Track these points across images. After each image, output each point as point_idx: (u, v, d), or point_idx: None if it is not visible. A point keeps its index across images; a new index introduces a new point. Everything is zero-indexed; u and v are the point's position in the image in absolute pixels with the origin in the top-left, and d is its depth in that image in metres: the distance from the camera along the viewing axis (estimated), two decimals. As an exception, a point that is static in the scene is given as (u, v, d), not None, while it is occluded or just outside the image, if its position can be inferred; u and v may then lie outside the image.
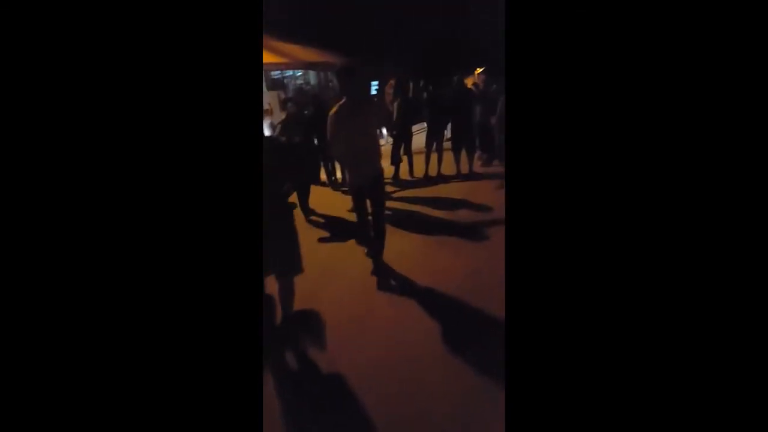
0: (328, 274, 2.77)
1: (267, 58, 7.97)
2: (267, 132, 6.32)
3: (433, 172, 4.97)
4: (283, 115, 6.88)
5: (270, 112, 6.87)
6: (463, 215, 3.57)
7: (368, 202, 2.59)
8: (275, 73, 9.64)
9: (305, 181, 3.85)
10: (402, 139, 4.80)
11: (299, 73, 10.38)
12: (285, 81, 9.77)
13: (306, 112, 4.59)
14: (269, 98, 8.05)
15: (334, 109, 2.42)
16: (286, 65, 8.93)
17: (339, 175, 4.51)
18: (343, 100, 2.41)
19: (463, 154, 4.79)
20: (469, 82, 5.15)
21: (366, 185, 2.52)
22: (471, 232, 3.17)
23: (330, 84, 10.19)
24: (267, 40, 8.33)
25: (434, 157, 4.92)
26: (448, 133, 4.92)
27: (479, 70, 5.24)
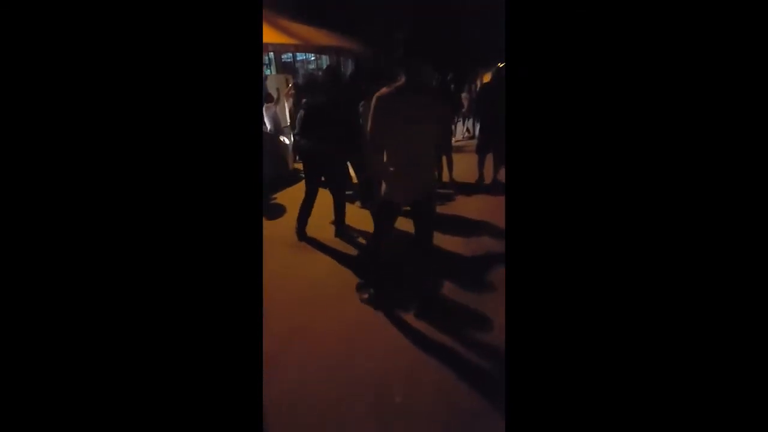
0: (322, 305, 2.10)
1: (277, 38, 7.31)
2: (268, 124, 5.59)
3: (445, 178, 4.24)
4: (290, 102, 6.15)
5: (273, 99, 6.21)
6: (477, 245, 2.85)
7: (414, 223, 1.88)
8: (286, 56, 8.96)
9: (312, 190, 3.03)
10: None
11: (312, 57, 9.67)
12: (296, 65, 9.09)
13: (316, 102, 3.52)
14: (276, 82, 7.37)
15: (384, 92, 1.63)
16: (297, 47, 8.22)
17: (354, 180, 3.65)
18: (401, 82, 1.62)
19: (490, 158, 4.02)
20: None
21: (414, 201, 1.79)
22: (480, 264, 2.46)
23: (347, 72, 9.45)
24: (277, 19, 7.66)
25: (444, 160, 4.17)
26: (466, 131, 4.16)
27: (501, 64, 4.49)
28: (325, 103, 2.78)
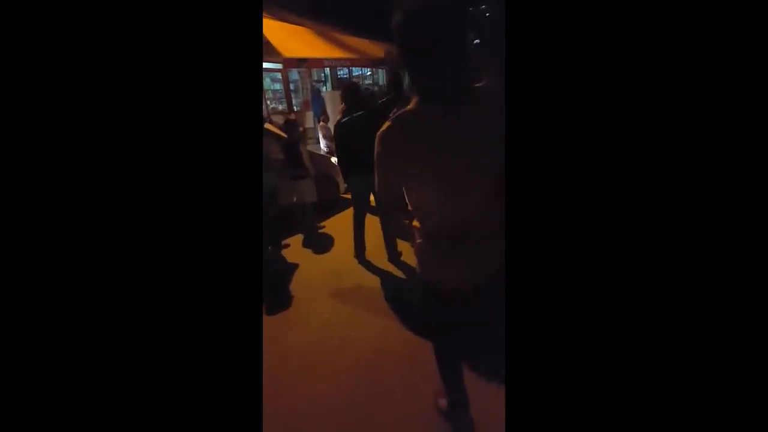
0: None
1: (333, 52, 7.18)
2: (323, 144, 5.33)
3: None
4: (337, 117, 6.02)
5: (328, 117, 5.99)
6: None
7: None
8: (342, 72, 8.85)
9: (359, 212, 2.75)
10: None
11: (368, 72, 9.46)
12: (353, 80, 8.93)
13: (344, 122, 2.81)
14: (331, 98, 7.22)
15: (389, 125, 0.91)
16: (353, 62, 8.02)
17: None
18: (415, 101, 0.90)
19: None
20: None
21: (475, 284, 1.06)
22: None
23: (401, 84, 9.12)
24: (331, 32, 7.55)
25: None
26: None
27: None
28: (349, 123, 2.58)
